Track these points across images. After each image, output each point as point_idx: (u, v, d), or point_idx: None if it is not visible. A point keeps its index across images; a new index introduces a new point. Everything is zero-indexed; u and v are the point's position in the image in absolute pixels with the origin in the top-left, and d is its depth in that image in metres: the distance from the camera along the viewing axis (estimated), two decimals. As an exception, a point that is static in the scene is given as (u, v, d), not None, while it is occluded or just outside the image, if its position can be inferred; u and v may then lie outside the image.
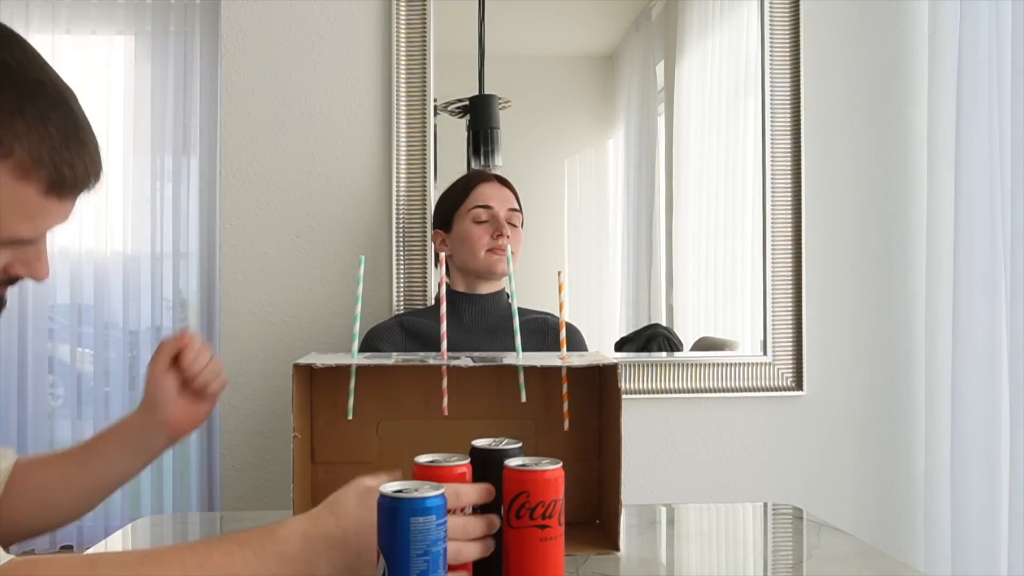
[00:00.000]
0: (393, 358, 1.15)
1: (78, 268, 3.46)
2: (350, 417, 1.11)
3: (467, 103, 1.89)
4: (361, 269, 1.13)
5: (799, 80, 1.95)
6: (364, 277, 1.14)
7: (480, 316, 1.67)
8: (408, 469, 0.88)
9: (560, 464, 0.89)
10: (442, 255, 1.33)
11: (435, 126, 1.88)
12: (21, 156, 0.76)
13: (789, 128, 1.95)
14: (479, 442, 0.99)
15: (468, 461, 0.87)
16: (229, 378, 1.09)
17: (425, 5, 1.87)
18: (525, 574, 0.87)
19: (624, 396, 1.08)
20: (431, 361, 1.10)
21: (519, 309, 1.28)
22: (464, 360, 1.10)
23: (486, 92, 1.90)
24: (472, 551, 0.83)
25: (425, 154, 1.87)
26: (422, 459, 0.86)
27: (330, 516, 0.81)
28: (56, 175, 0.78)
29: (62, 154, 0.78)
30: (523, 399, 1.09)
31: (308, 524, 0.80)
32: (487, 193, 1.68)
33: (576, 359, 1.10)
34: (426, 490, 0.78)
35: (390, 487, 0.79)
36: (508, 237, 1.63)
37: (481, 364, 1.09)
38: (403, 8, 1.88)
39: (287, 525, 0.79)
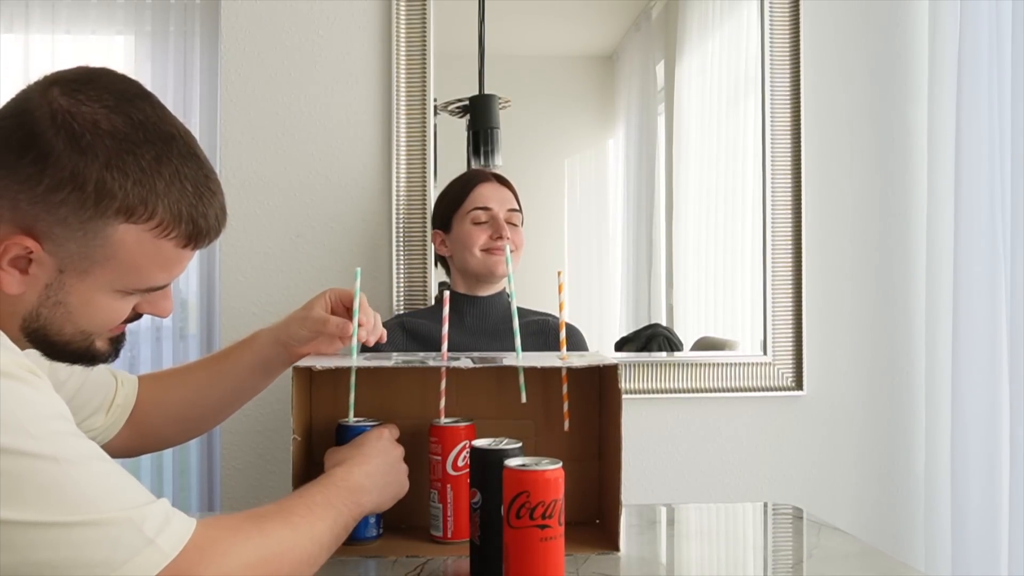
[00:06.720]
0: (393, 359, 1.15)
1: (78, 268, 3.45)
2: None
3: (467, 103, 1.89)
4: (357, 283, 1.13)
5: (799, 80, 1.95)
6: (361, 289, 1.14)
7: (481, 318, 1.67)
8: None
9: (560, 464, 0.89)
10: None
11: (435, 126, 1.88)
12: (163, 216, 0.80)
13: (789, 128, 1.95)
14: (479, 442, 0.99)
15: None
16: (385, 333, 1.17)
17: (425, 5, 1.87)
18: (525, 574, 0.88)
19: (624, 396, 1.08)
20: (431, 362, 1.10)
21: (519, 310, 1.28)
22: (464, 361, 1.10)
23: (486, 92, 1.90)
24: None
25: (425, 154, 1.87)
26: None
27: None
28: (193, 229, 0.83)
29: (198, 208, 0.82)
30: (523, 399, 1.09)
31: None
32: (486, 194, 1.67)
33: (576, 359, 1.10)
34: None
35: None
36: (508, 238, 1.63)
37: (481, 365, 1.09)
38: (403, 8, 1.87)
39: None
